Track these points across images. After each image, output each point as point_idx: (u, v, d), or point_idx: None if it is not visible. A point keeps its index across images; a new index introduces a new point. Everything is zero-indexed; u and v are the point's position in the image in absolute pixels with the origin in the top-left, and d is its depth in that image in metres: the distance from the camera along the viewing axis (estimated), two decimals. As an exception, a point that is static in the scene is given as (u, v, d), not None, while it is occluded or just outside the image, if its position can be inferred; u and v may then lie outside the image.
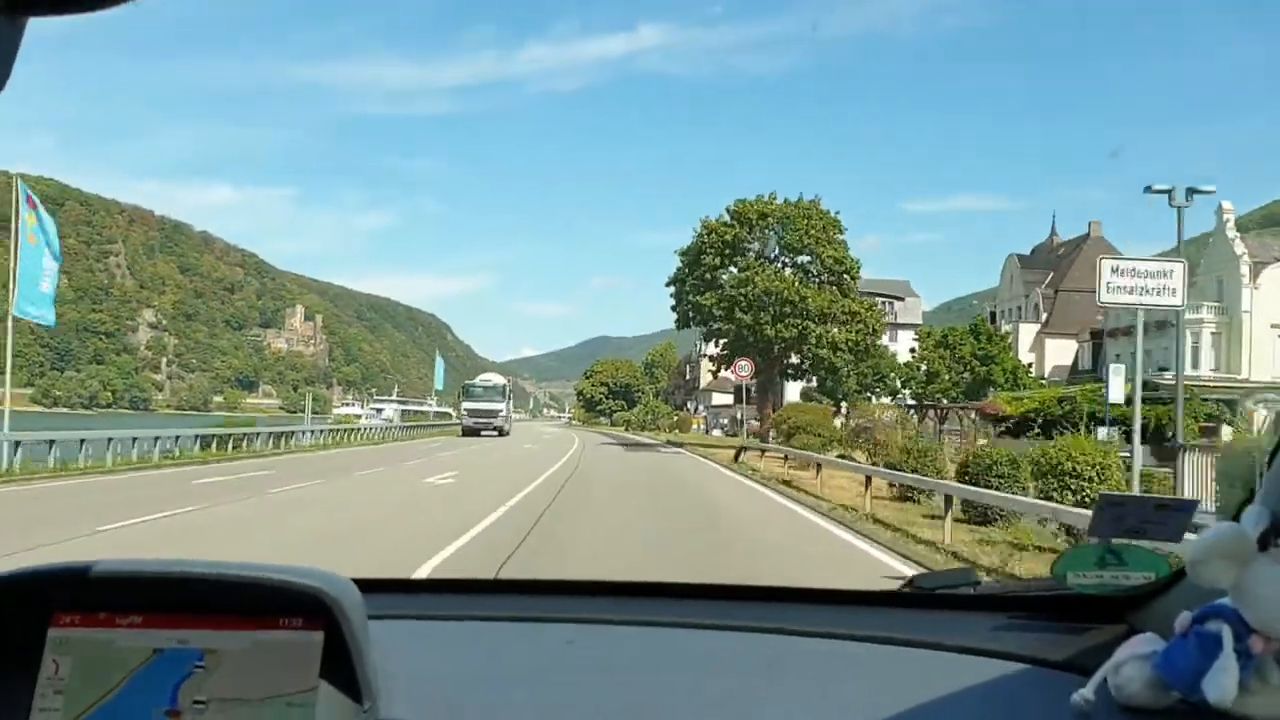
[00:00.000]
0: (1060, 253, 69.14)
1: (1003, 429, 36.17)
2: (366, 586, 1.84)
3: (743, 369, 35.89)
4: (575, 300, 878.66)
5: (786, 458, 27.40)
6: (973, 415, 36.15)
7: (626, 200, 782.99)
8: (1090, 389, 41.18)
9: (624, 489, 21.14)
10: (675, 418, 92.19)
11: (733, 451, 33.87)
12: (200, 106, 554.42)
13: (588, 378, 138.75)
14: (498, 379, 72.33)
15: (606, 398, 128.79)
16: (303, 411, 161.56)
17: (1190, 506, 1.54)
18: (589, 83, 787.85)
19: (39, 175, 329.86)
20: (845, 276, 43.80)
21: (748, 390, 36.43)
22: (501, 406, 64.76)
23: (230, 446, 31.94)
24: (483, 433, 61.50)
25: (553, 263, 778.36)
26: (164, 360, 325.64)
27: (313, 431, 43.53)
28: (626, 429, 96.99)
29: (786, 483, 22.63)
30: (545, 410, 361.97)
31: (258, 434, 35.55)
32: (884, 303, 62.99)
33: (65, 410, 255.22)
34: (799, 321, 42.02)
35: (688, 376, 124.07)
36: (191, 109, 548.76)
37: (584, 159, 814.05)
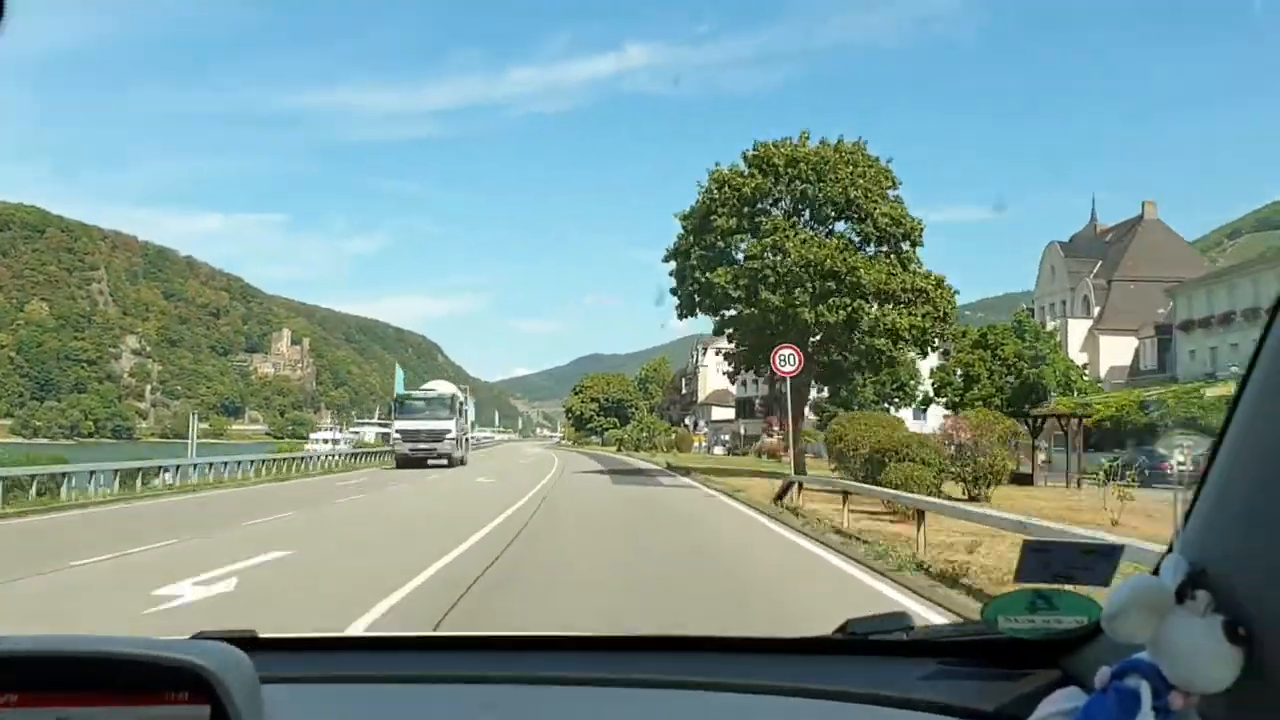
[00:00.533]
0: (1108, 239, 61.35)
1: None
2: (278, 645, 1.83)
3: (787, 360, 25.15)
4: (567, 318, 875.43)
5: (891, 507, 16.37)
6: (1072, 424, 27.78)
7: (617, 217, 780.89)
8: (1183, 390, 32.67)
9: (596, 593, 10.18)
10: (673, 435, 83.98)
11: (760, 479, 25.34)
12: (188, 135, 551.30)
13: (577, 393, 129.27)
14: (445, 388, 58.45)
15: (598, 414, 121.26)
16: (290, 437, 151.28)
17: (1116, 551, 1.53)
18: (577, 104, 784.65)
19: (19, 202, 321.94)
20: (905, 243, 33.37)
21: (791, 391, 25.81)
22: (449, 426, 48.90)
23: (35, 492, 22.91)
24: (429, 461, 47.02)
25: (544, 281, 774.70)
26: (148, 388, 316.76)
27: (196, 466, 34.23)
28: (619, 449, 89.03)
29: (947, 576, 10.81)
30: (538, 430, 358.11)
31: (75, 473, 25.34)
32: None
33: (45, 440, 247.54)
34: (848, 301, 31.69)
35: (684, 390, 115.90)
36: (179, 138, 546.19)
37: (574, 177, 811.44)
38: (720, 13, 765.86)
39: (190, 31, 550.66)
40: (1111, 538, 5.55)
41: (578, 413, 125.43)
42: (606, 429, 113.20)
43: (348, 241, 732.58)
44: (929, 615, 8.63)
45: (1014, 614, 1.53)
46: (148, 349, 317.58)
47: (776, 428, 54.28)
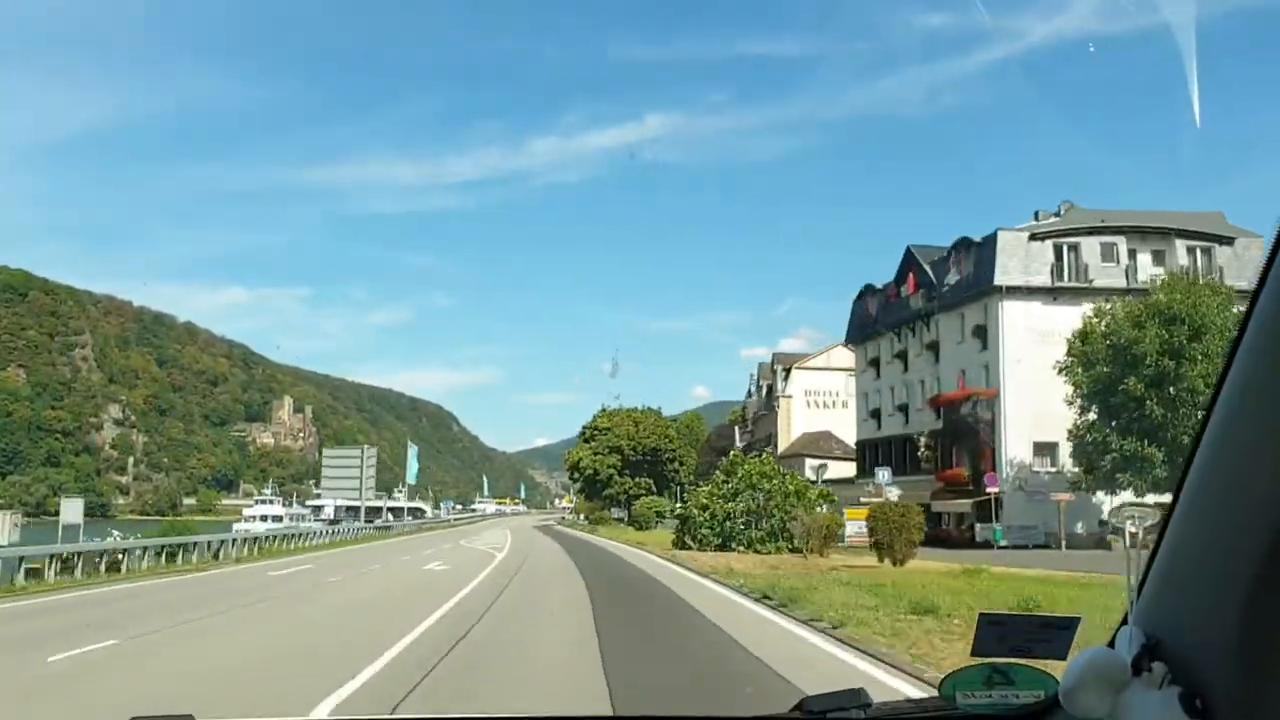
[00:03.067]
0: None
1: None
2: None
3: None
4: (586, 388, 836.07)
5: None
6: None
7: (635, 287, 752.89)
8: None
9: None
10: (819, 508, 38.21)
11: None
12: (211, 211, 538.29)
13: (587, 440, 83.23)
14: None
15: (620, 473, 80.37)
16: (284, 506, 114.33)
17: (1073, 624, 1.50)
18: (595, 173, 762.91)
19: (3, 265, 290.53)
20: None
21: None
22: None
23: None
24: None
25: (561, 350, 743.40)
26: (131, 460, 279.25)
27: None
28: (682, 542, 40.07)
29: None
30: (556, 500, 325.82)
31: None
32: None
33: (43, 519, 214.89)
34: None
35: (750, 436, 76.79)
36: (202, 214, 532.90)
37: (591, 247, 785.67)
38: (737, 83, 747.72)
39: (212, 110, 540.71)
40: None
41: (588, 469, 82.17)
42: (637, 495, 74.69)
43: (369, 315, 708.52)
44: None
45: (971, 689, 1.50)
46: (133, 418, 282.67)
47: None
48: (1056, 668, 1.37)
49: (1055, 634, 1.44)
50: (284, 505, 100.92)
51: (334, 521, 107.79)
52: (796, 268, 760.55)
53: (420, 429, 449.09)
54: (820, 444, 66.46)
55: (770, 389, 76.97)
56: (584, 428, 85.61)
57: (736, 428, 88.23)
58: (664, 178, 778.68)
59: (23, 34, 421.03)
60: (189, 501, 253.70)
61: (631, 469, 79.65)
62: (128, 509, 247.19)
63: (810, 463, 64.58)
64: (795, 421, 70.88)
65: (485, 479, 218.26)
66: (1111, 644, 1.24)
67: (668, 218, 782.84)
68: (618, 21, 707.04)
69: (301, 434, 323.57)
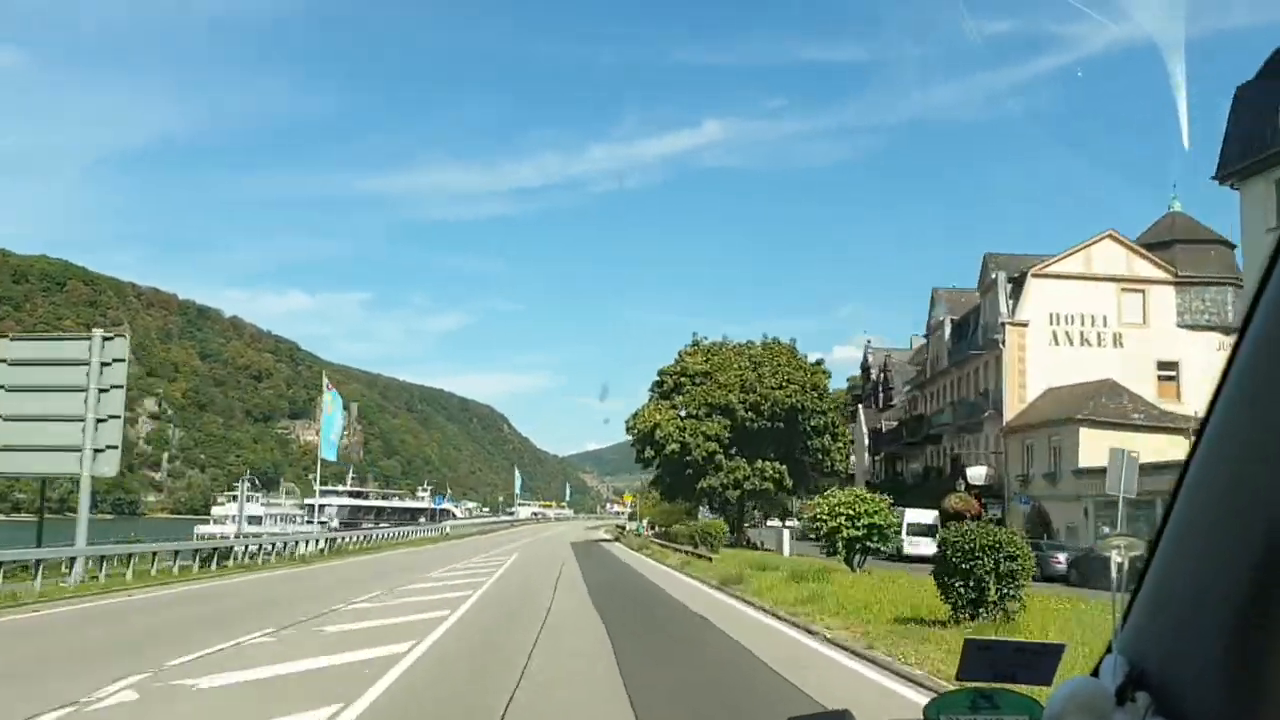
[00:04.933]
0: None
1: None
2: None
3: None
4: (640, 394, 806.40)
5: None
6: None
7: (690, 294, 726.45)
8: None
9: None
10: None
11: None
12: (276, 217, 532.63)
13: (667, 395, 50.17)
14: None
15: (728, 448, 47.57)
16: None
17: (1058, 650, 1.48)
18: (651, 179, 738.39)
19: (41, 254, 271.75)
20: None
21: None
22: None
23: None
24: None
25: (616, 356, 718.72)
26: (165, 455, 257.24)
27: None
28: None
29: None
30: (608, 505, 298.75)
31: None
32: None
33: (28, 517, 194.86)
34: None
35: (927, 392, 47.04)
36: (267, 220, 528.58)
37: (647, 253, 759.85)
38: (794, 89, 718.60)
39: (278, 119, 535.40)
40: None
41: (670, 444, 47.72)
42: (757, 489, 45.54)
43: (428, 319, 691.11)
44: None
45: (956, 713, 1.46)
46: (169, 412, 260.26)
47: None
48: (1043, 694, 1.35)
49: (1040, 660, 1.41)
50: (264, 503, 73.55)
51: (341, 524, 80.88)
52: (855, 273, 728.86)
53: (471, 429, 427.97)
54: (1100, 402, 36.76)
55: (967, 324, 47.14)
56: (661, 374, 50.70)
57: (926, 367, 58.55)
58: (722, 183, 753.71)
59: (96, 45, 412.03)
60: (232, 495, 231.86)
61: (748, 443, 46.84)
62: (159, 507, 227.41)
63: (1089, 436, 35.11)
64: (1032, 368, 41.28)
65: (518, 474, 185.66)
66: (1095, 672, 1.20)
67: (725, 223, 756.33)
68: (675, 28, 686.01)
69: (347, 431, 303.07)
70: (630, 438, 49.62)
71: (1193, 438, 1.10)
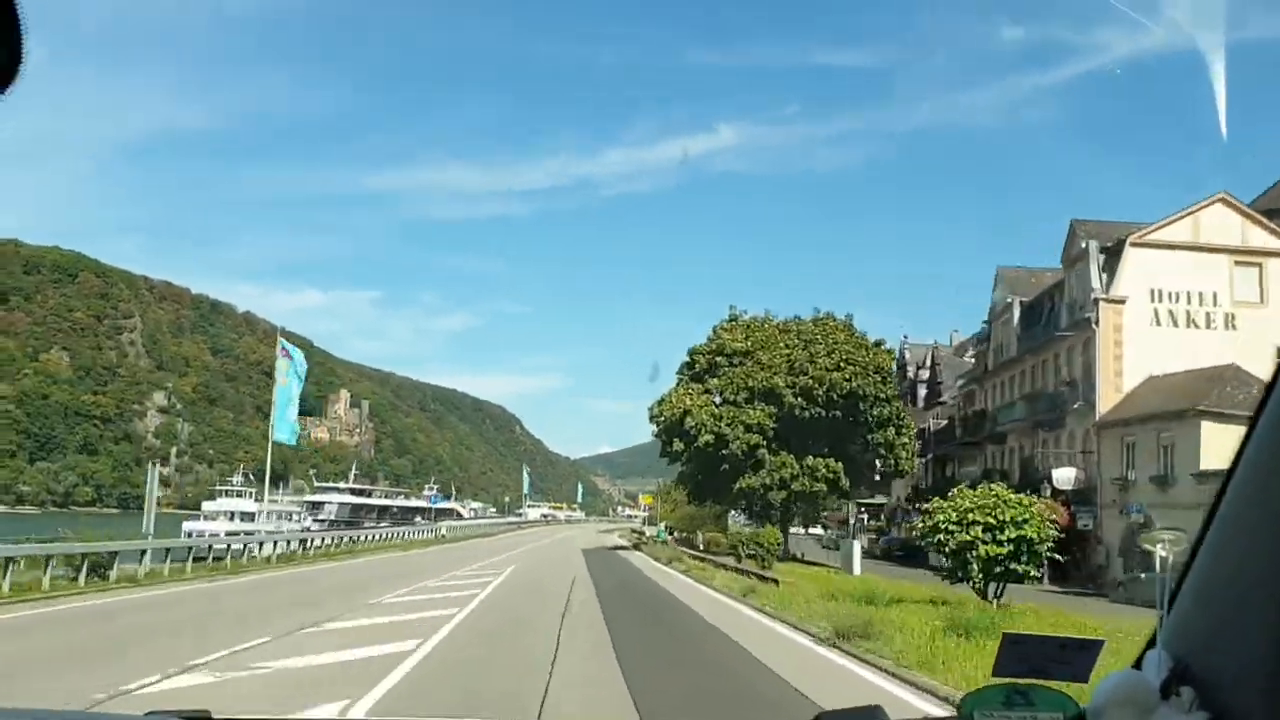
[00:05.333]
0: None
1: None
2: None
3: None
4: (651, 397, 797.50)
5: None
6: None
7: (703, 296, 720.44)
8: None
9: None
10: None
11: None
12: (289, 214, 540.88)
13: (699, 376, 43.08)
14: None
15: (771, 441, 40.14)
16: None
17: (1096, 646, 1.46)
18: (663, 183, 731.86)
19: (54, 244, 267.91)
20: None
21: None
22: None
23: None
24: None
25: (628, 360, 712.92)
26: (174, 450, 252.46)
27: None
28: None
29: None
30: (619, 508, 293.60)
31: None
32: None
33: (31, 509, 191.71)
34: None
35: (992, 381, 40.55)
36: (279, 217, 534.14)
37: (660, 256, 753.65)
38: (808, 94, 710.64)
39: (290, 115, 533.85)
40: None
41: (703, 433, 40.35)
42: (807, 491, 38.71)
43: (437, 319, 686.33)
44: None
45: (990, 708, 1.44)
46: (178, 406, 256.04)
47: None
48: (1077, 690, 1.33)
49: (1077, 655, 1.39)
50: (257, 499, 67.40)
51: (334, 524, 74.74)
52: (866, 280, 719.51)
53: (484, 430, 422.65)
54: (1225, 392, 30.30)
55: (1041, 306, 40.30)
56: (693, 354, 43.67)
57: (980, 352, 51.77)
58: (734, 187, 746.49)
59: (102, 39, 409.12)
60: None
61: (796, 436, 39.49)
62: (166, 501, 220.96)
63: (1213, 432, 28.69)
64: (1130, 352, 34.78)
65: (526, 473, 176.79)
66: (1138, 666, 1.20)
67: (737, 228, 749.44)
68: (689, 31, 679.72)
69: (358, 430, 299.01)
70: (654, 428, 42.52)
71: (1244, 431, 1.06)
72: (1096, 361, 36.33)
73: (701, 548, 45.84)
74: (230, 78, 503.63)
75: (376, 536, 48.18)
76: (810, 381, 38.39)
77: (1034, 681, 1.40)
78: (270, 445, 34.77)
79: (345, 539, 42.37)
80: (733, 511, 54.81)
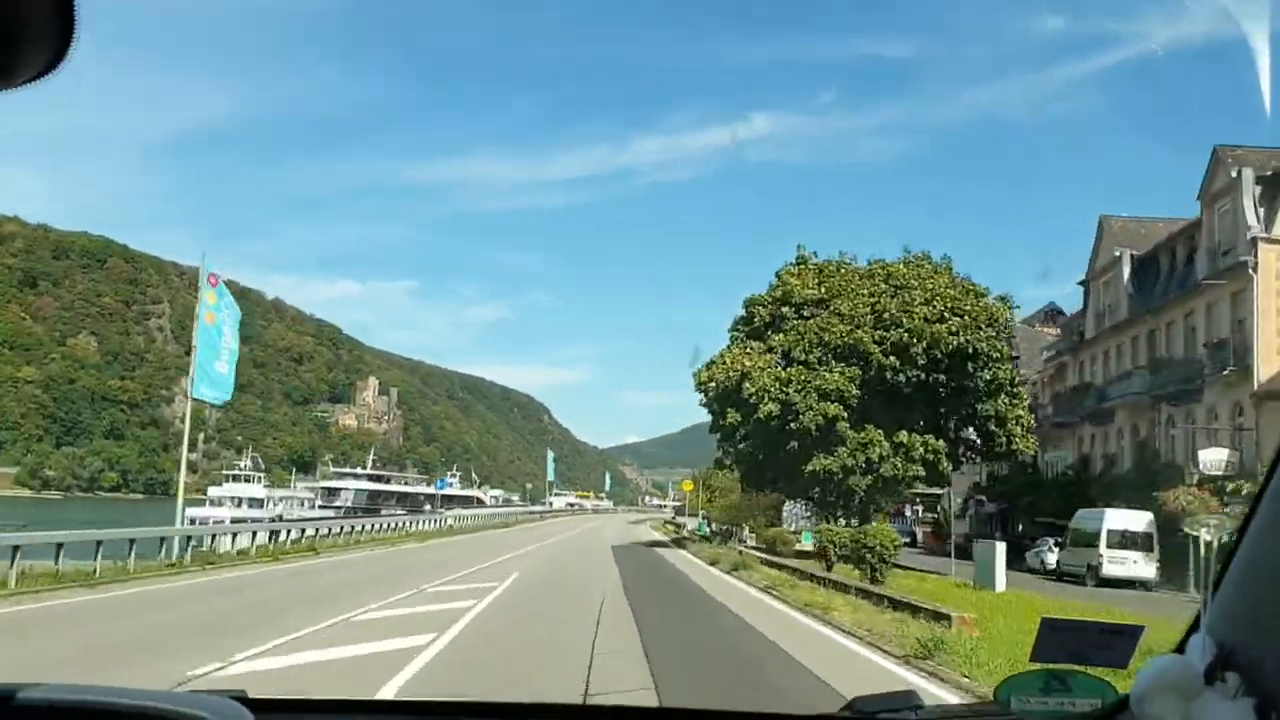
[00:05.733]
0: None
1: None
2: (268, 706, 1.66)
3: None
4: (679, 387, 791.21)
5: None
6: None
7: (737, 288, 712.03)
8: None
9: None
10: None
11: None
12: (326, 206, 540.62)
13: (759, 333, 34.95)
14: None
15: (852, 409, 32.13)
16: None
17: (1137, 631, 1.45)
18: (699, 173, 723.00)
19: (83, 230, 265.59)
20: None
21: None
22: None
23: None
24: None
25: (657, 351, 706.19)
26: (201, 436, 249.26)
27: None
28: None
29: None
30: (647, 498, 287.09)
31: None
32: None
33: (56, 494, 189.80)
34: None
35: (1083, 348, 33.36)
36: (318, 208, 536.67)
37: (694, 247, 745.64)
38: (845, 84, 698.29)
39: (329, 108, 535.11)
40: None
41: (765, 401, 31.95)
42: (897, 474, 31.02)
43: (471, 309, 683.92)
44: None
45: (1027, 694, 1.41)
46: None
47: None
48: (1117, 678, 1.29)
49: (1117, 641, 1.36)
50: (267, 484, 61.76)
51: (351, 511, 69.14)
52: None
53: (511, 419, 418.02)
54: None
55: (1157, 259, 33.12)
56: (750, 305, 36.67)
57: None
58: (770, 178, 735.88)
59: (144, 31, 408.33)
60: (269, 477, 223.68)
61: (885, 406, 32.48)
62: (193, 487, 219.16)
63: None
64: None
65: (551, 460, 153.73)
66: (1180, 651, 1.18)
67: (773, 218, 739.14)
68: (726, 21, 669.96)
69: (386, 417, 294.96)
70: (701, 398, 35.20)
71: None
72: (1255, 316, 29.21)
73: (750, 544, 38.84)
74: (269, 71, 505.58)
75: (375, 527, 41.51)
76: (905, 336, 30.99)
77: (1072, 667, 1.36)
78: (189, 405, 27.64)
79: (325, 530, 35.87)
80: (788, 503, 47.75)
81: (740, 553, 30.23)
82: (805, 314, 32.50)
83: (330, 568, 25.79)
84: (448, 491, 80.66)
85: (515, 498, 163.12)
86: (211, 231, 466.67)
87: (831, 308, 31.79)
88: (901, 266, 32.67)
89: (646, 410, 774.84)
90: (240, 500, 63.26)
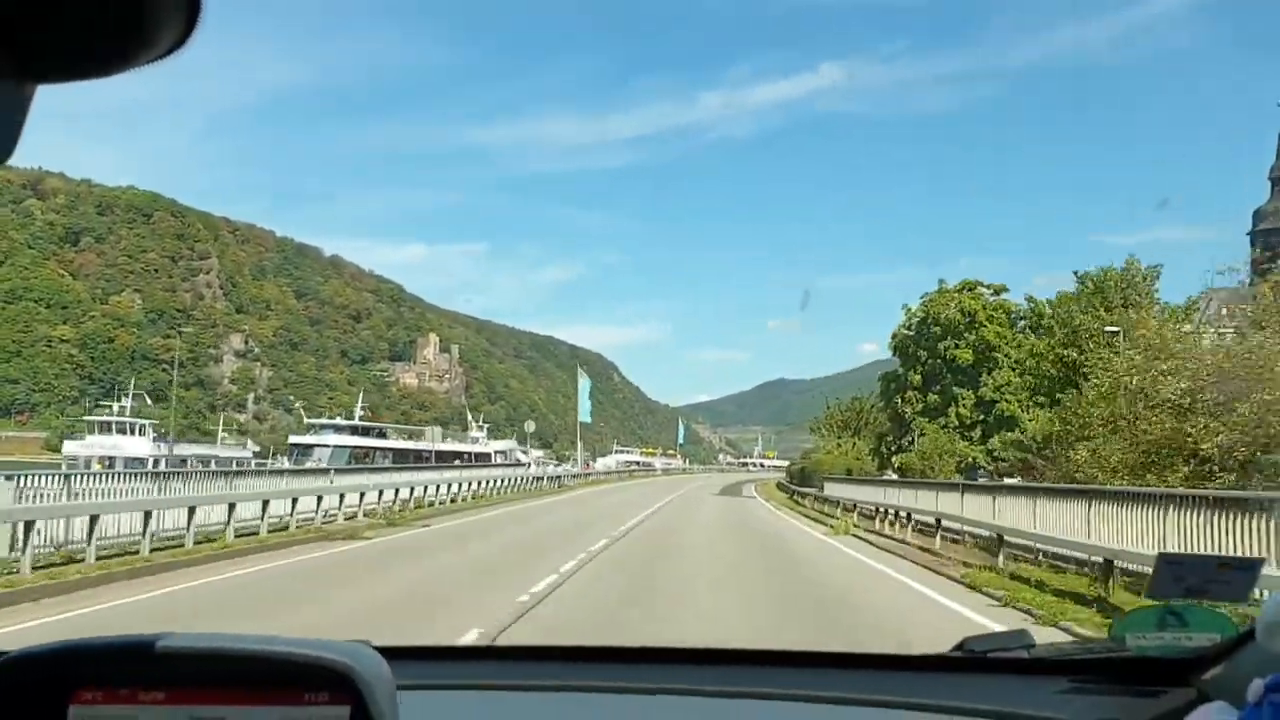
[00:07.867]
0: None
1: None
2: (401, 654, 1.62)
3: None
4: (750, 345, 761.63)
5: None
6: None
7: (806, 242, 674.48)
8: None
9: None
10: None
11: None
12: (394, 170, 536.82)
13: None
14: None
15: None
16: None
17: (1256, 565, 1.40)
18: (765, 126, 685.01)
19: (129, 184, 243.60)
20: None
21: None
22: None
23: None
24: None
25: (727, 306, 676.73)
26: (251, 396, 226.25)
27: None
28: None
29: None
30: (720, 456, 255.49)
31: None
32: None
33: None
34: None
35: None
36: (385, 173, 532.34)
37: (761, 202, 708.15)
38: (912, 32, 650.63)
39: (394, 73, 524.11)
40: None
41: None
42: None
43: (539, 270, 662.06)
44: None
45: (1143, 631, 1.37)
46: (256, 350, 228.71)
47: None
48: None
49: (1235, 575, 1.31)
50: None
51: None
52: (973, 223, 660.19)
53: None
54: None
55: None
56: None
57: None
58: (836, 129, 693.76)
59: (212, 4, 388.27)
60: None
61: None
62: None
63: None
64: None
65: (584, 390, 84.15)
66: None
67: (840, 171, 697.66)
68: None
69: (447, 375, 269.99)
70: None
71: None
72: None
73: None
74: (333, 36, 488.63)
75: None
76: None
77: (1190, 602, 1.31)
78: None
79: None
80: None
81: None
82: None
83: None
84: (443, 447, 51.44)
85: (557, 460, 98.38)
86: (278, 199, 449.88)
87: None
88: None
89: (717, 367, 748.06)
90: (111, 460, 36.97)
